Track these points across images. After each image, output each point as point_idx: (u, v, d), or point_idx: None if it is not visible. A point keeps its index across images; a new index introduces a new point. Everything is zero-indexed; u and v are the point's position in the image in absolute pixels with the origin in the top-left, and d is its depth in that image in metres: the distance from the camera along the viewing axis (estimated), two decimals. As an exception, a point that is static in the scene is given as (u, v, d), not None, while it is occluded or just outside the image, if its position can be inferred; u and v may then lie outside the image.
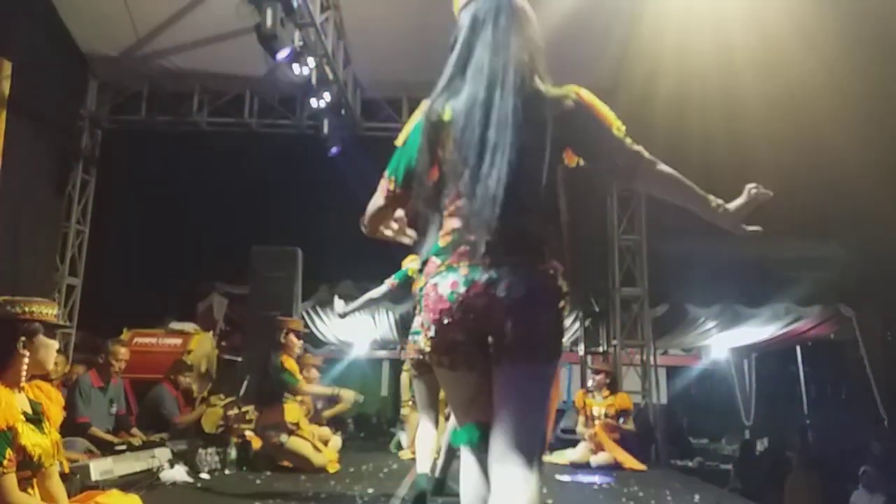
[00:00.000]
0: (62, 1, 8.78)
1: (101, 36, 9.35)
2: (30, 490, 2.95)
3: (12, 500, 2.79)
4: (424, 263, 2.20)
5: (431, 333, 2.11)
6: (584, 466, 7.24)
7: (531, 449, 1.99)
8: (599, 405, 7.64)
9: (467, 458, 2.18)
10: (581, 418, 7.90)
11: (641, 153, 2.22)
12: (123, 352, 6.68)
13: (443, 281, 2.07)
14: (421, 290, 2.17)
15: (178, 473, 5.51)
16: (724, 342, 14.83)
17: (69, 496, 3.24)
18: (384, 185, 2.31)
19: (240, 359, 9.52)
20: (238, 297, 11.06)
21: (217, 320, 10.96)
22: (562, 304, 2.13)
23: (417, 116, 2.28)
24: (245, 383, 7.07)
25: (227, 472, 6.11)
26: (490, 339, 2.05)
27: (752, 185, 2.26)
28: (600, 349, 11.70)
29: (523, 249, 2.07)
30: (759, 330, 13.27)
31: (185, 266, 10.47)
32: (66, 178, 9.90)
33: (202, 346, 8.90)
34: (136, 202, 10.16)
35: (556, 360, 2.11)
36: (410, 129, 2.28)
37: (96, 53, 9.65)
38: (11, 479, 2.80)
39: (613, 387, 7.87)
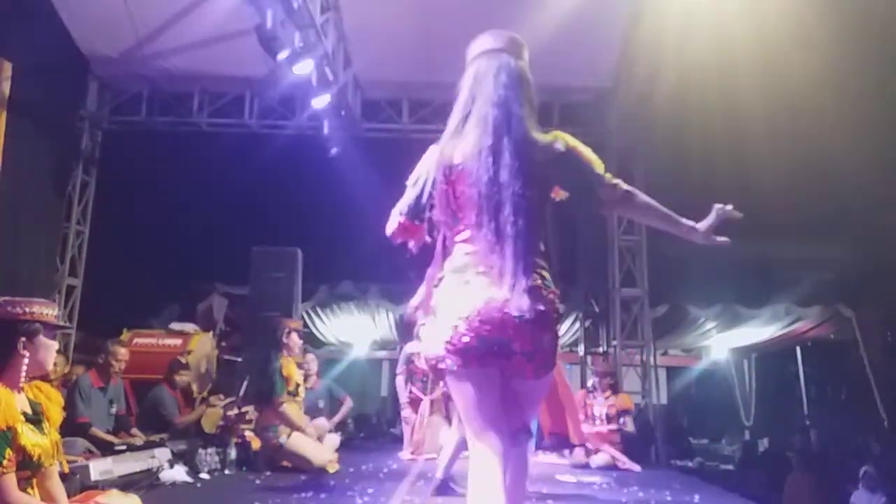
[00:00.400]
0: (63, 2, 8.78)
1: (102, 37, 9.35)
2: (29, 490, 2.95)
3: (12, 499, 2.79)
4: (440, 280, 2.54)
5: (447, 337, 2.42)
6: (583, 467, 7.24)
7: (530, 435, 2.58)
8: (601, 405, 7.64)
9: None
10: (580, 417, 7.89)
11: (619, 185, 2.57)
12: (123, 352, 6.67)
13: (459, 292, 2.43)
14: (437, 301, 2.52)
15: (178, 473, 5.50)
16: (724, 342, 14.85)
17: (69, 496, 3.24)
18: (395, 217, 2.65)
19: (240, 359, 9.51)
20: (238, 297, 11.06)
21: (217, 321, 10.95)
22: (559, 324, 2.53)
23: (427, 159, 2.64)
24: (245, 383, 7.05)
25: (226, 472, 6.10)
26: (497, 350, 2.39)
27: (720, 205, 2.67)
28: (600, 349, 11.69)
29: (531, 275, 2.39)
30: (759, 330, 13.28)
31: (185, 266, 10.47)
32: (67, 179, 9.90)
33: (202, 346, 8.89)
34: (137, 203, 10.15)
35: (552, 370, 2.54)
36: (421, 170, 2.65)
37: (97, 54, 9.66)
38: (11, 479, 2.80)
39: (615, 387, 7.87)
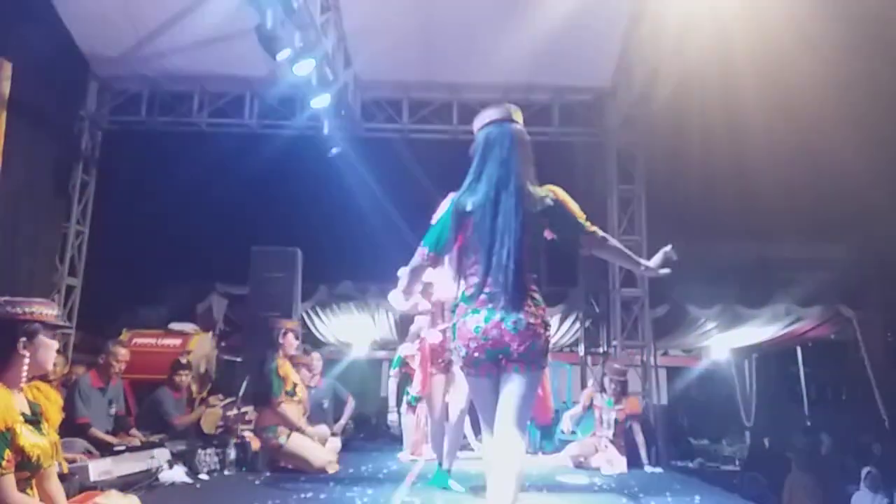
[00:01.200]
0: (63, 2, 8.77)
1: (102, 37, 9.34)
2: (28, 491, 2.94)
3: (11, 500, 2.78)
4: (455, 307, 3.28)
5: (462, 354, 3.18)
6: (582, 464, 7.23)
7: (523, 424, 3.15)
8: (609, 410, 7.52)
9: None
10: (577, 409, 7.85)
11: (597, 232, 3.32)
12: (123, 353, 6.66)
13: (470, 319, 3.15)
14: (454, 325, 3.24)
15: (177, 474, 5.49)
16: (724, 343, 14.82)
17: (68, 497, 3.23)
18: (421, 252, 3.35)
19: (239, 359, 9.51)
20: (238, 297, 11.05)
21: (217, 321, 10.95)
22: (548, 333, 3.18)
23: (446, 205, 3.37)
24: (244, 384, 7.04)
25: (226, 472, 6.08)
26: (500, 356, 3.10)
27: (667, 247, 3.43)
28: (600, 350, 11.68)
29: (523, 298, 3.12)
30: (759, 330, 13.26)
31: (185, 267, 10.47)
32: (67, 179, 9.89)
33: (201, 346, 8.89)
34: (136, 203, 10.15)
35: (543, 369, 3.26)
36: (442, 214, 3.38)
37: (97, 54, 9.66)
38: (10, 480, 2.79)
39: (624, 391, 7.74)
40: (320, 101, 8.68)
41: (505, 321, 3.08)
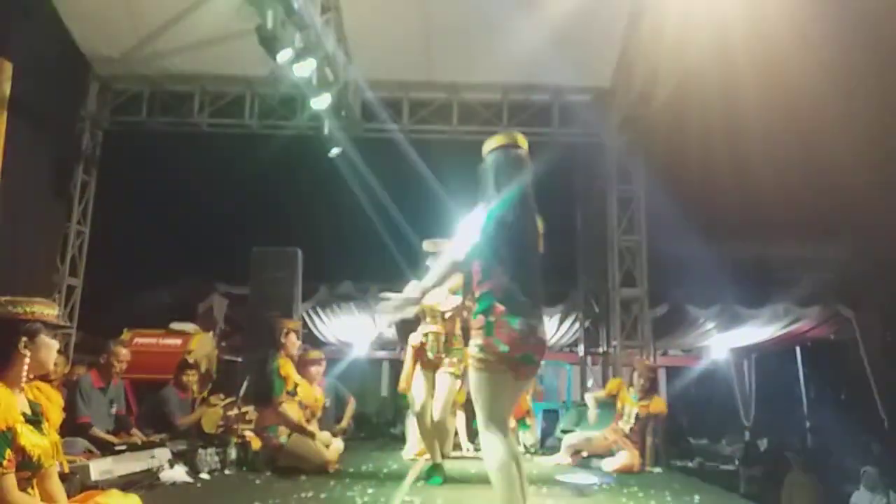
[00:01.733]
0: (64, 2, 8.79)
1: (103, 37, 9.36)
2: (29, 490, 2.93)
3: (12, 499, 2.78)
4: (486, 307, 3.35)
5: (501, 350, 3.25)
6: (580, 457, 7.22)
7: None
8: (634, 404, 7.44)
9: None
10: (601, 392, 7.80)
11: None
12: (125, 353, 6.67)
13: (511, 321, 3.28)
14: (490, 323, 3.30)
15: (178, 473, 5.48)
16: (723, 343, 14.84)
17: (69, 496, 3.22)
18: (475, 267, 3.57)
19: (240, 359, 9.51)
20: (238, 297, 11.05)
21: (217, 321, 10.95)
22: None
23: (479, 217, 3.56)
24: (245, 384, 7.05)
25: (226, 472, 6.07)
26: (534, 361, 3.38)
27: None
28: (600, 350, 11.69)
29: (542, 306, 3.48)
30: (758, 330, 13.27)
31: (186, 266, 10.48)
32: (67, 179, 9.89)
33: (202, 346, 8.89)
34: (137, 203, 10.16)
35: None
36: (486, 226, 3.58)
37: (97, 54, 9.67)
38: (11, 480, 2.79)
39: (652, 388, 7.66)
40: (320, 102, 8.68)
41: (538, 328, 3.36)
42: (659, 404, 7.48)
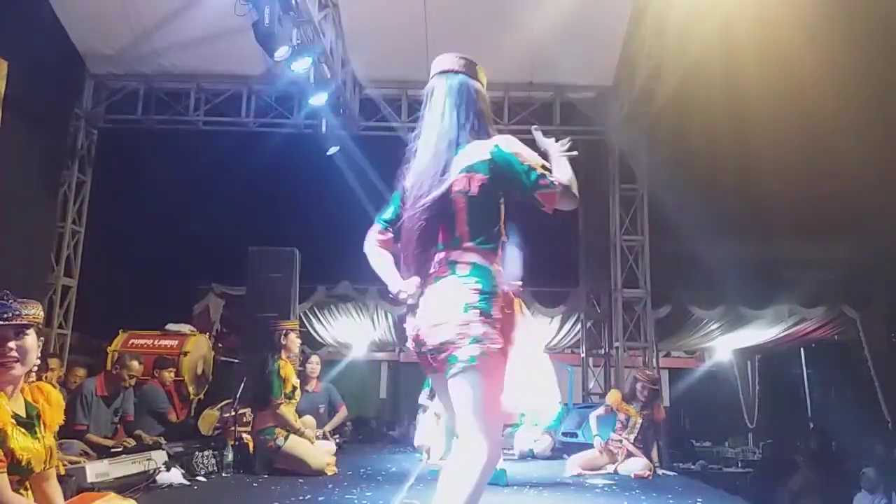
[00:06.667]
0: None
1: (98, 34, 9.29)
2: (22, 492, 2.89)
3: (5, 499, 2.73)
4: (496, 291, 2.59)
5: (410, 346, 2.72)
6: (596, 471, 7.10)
7: None
8: (636, 413, 7.34)
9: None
10: (600, 410, 7.69)
11: (556, 181, 2.67)
12: (137, 367, 6.64)
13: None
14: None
15: (175, 476, 5.45)
16: (727, 344, 14.79)
17: (65, 499, 3.19)
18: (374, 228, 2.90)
19: (236, 360, 9.43)
20: (235, 298, 10.99)
21: (213, 321, 10.89)
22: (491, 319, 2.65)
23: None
24: (241, 385, 6.96)
25: (223, 474, 6.03)
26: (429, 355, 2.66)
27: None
28: (602, 351, 11.60)
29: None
30: (762, 331, 13.22)
31: (182, 267, 10.41)
32: (62, 178, 9.80)
33: (198, 347, 8.81)
34: (132, 202, 10.09)
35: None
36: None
37: (93, 52, 9.59)
38: (3, 480, 2.75)
39: (654, 397, 7.56)
40: (318, 100, 8.62)
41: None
42: (660, 411, 7.41)
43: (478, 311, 2.53)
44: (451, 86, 2.81)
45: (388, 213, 2.88)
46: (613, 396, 7.70)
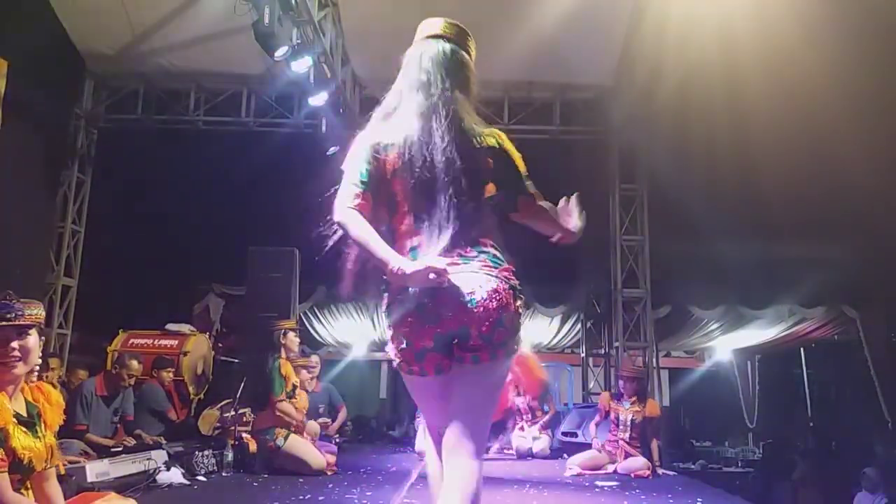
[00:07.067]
0: (59, -1, 8.72)
1: (98, 34, 9.27)
2: (23, 491, 2.90)
3: (6, 499, 2.75)
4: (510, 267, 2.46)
5: (403, 344, 2.45)
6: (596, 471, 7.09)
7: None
8: (626, 411, 7.35)
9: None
10: (596, 418, 7.70)
11: (537, 197, 2.61)
12: (137, 367, 6.67)
13: (407, 295, 2.39)
14: (388, 305, 2.46)
15: (175, 475, 5.47)
16: (727, 344, 14.79)
17: (65, 498, 3.20)
18: (348, 197, 2.45)
19: (236, 360, 9.43)
20: (235, 297, 10.99)
21: (213, 321, 10.88)
22: (518, 304, 2.45)
23: (358, 144, 2.53)
24: (241, 385, 6.97)
25: (223, 474, 6.05)
26: (455, 341, 2.41)
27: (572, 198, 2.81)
28: (602, 351, 11.59)
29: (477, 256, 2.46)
30: (762, 331, 13.23)
31: (182, 266, 10.38)
32: (62, 178, 9.80)
33: (198, 347, 8.82)
34: (132, 202, 10.07)
35: (510, 357, 2.46)
36: (353, 155, 2.53)
37: (92, 51, 9.57)
38: (4, 479, 2.76)
39: (642, 392, 7.56)
40: (318, 99, 8.60)
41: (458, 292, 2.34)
42: (653, 407, 7.41)
43: (521, 299, 2.43)
44: (443, 52, 2.61)
45: (364, 175, 2.47)
46: (603, 398, 7.74)
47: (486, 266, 2.37)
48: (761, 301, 11.47)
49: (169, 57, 9.48)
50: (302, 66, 7.73)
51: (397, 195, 2.47)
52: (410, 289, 2.33)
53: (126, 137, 10.23)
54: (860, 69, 7.80)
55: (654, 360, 10.28)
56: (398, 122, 2.51)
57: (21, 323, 2.89)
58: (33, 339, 2.94)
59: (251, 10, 6.94)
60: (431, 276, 2.23)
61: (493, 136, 2.52)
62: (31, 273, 9.13)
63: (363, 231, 2.35)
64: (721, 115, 8.35)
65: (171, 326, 9.16)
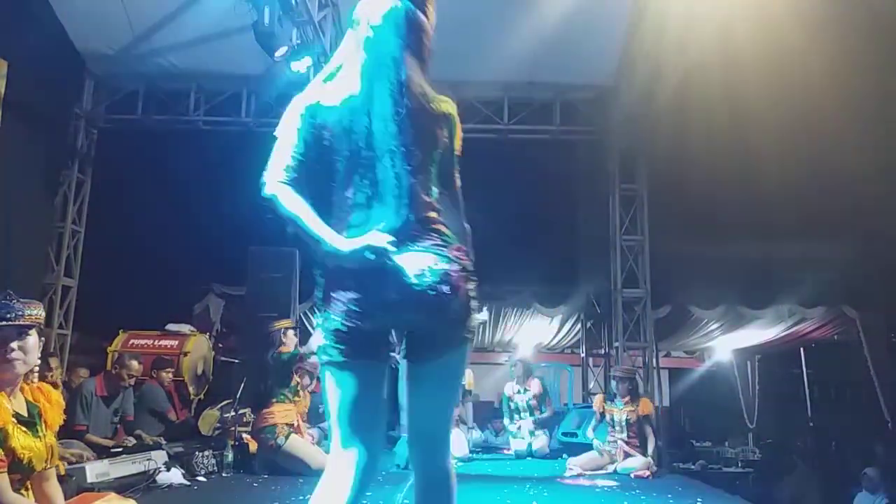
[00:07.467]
0: (59, -1, 8.71)
1: (98, 34, 9.26)
2: (23, 492, 2.91)
3: (5, 499, 2.75)
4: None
5: (335, 328, 2.20)
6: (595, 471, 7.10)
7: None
8: (620, 411, 7.36)
9: None
10: (593, 422, 7.72)
11: (457, 180, 2.40)
12: (137, 367, 6.67)
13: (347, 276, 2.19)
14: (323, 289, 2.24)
15: (175, 476, 5.50)
16: (727, 344, 14.77)
17: (66, 498, 3.20)
18: (276, 171, 2.24)
19: (236, 361, 9.43)
20: (235, 297, 10.97)
21: (214, 322, 10.87)
22: (469, 287, 2.23)
23: (294, 113, 2.29)
24: (241, 385, 6.98)
25: (223, 474, 6.06)
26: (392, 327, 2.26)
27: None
28: (602, 351, 11.59)
29: (426, 235, 2.22)
30: (762, 332, 13.20)
31: (182, 267, 10.36)
32: (62, 178, 9.79)
33: (198, 347, 8.83)
34: (132, 202, 10.06)
35: (466, 346, 2.24)
36: (289, 124, 2.29)
37: (93, 52, 9.56)
38: (4, 479, 2.76)
39: (635, 392, 7.59)
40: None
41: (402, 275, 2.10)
42: (647, 405, 7.44)
43: (473, 282, 2.21)
44: (395, 10, 2.33)
45: (298, 143, 2.24)
46: (597, 401, 7.78)
47: (436, 245, 2.16)
48: (761, 301, 11.45)
49: (169, 57, 9.47)
50: (302, 66, 7.74)
51: (338, 166, 2.23)
52: (349, 269, 2.10)
53: (126, 137, 10.22)
54: (860, 69, 7.81)
55: (654, 360, 10.27)
56: (341, 84, 2.29)
57: (21, 323, 2.89)
58: (33, 340, 2.95)
59: (251, 10, 6.95)
60: (370, 255, 2.05)
61: (448, 104, 2.34)
62: (31, 273, 9.13)
63: (294, 206, 2.13)
64: (721, 116, 8.34)
65: (171, 326, 9.17)
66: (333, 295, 2.16)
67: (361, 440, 2.18)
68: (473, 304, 2.19)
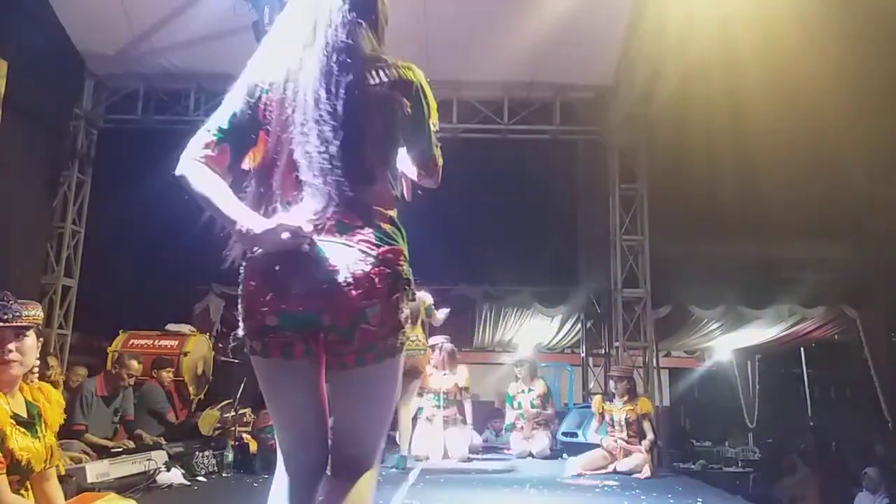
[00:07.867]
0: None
1: (98, 34, 9.25)
2: (22, 492, 2.90)
3: (4, 501, 2.74)
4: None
5: (251, 321, 2.09)
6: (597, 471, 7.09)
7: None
8: (619, 411, 7.36)
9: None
10: (594, 423, 7.72)
11: (439, 161, 2.21)
12: (136, 366, 6.68)
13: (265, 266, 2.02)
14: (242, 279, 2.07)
15: (175, 476, 5.49)
16: (727, 344, 14.76)
17: (66, 499, 3.20)
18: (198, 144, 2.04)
19: (236, 361, 9.41)
20: (235, 298, 10.93)
21: (214, 322, 10.86)
22: (401, 294, 2.01)
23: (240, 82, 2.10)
24: (241, 385, 6.97)
25: (223, 474, 6.05)
26: (305, 326, 1.97)
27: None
28: (602, 351, 11.58)
29: (366, 222, 2.01)
30: (762, 331, 13.19)
31: (182, 267, 10.36)
32: (62, 178, 9.80)
33: (198, 348, 8.81)
34: (132, 202, 10.05)
35: (395, 355, 2.03)
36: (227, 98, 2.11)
37: (92, 52, 9.56)
38: (3, 481, 2.76)
39: (633, 391, 7.58)
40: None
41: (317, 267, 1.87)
42: (645, 404, 7.44)
43: (407, 284, 1.95)
44: None
45: (225, 121, 2.03)
46: (595, 402, 7.79)
47: (364, 242, 1.90)
48: (761, 301, 11.44)
49: (169, 57, 9.46)
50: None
51: (274, 147, 2.00)
52: (260, 252, 1.94)
53: (126, 137, 10.23)
54: (860, 69, 7.81)
55: (654, 359, 10.27)
56: (280, 56, 2.06)
57: (18, 324, 2.89)
58: (31, 341, 2.94)
59: (251, 10, 6.95)
60: (285, 235, 1.82)
61: (412, 71, 2.07)
62: (31, 273, 9.13)
63: (205, 185, 1.93)
64: (721, 115, 8.35)
65: (171, 326, 9.16)
66: (247, 282, 2.02)
67: (291, 441, 2.15)
68: (402, 314, 1.95)
